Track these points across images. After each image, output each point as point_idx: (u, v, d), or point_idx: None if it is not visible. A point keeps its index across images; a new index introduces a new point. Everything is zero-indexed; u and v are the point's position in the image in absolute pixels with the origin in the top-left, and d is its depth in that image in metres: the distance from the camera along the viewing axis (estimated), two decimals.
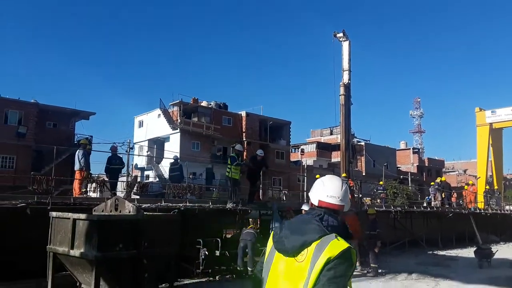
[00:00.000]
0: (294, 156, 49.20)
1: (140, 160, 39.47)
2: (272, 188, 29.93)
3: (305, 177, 36.21)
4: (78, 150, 12.25)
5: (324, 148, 51.99)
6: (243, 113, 42.40)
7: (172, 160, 16.73)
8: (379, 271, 11.44)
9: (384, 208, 17.60)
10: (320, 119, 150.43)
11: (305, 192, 25.88)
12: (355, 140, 47.49)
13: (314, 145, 52.16)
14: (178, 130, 37.69)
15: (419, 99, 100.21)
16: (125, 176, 16.05)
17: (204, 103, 41.41)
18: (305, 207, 10.35)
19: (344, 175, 18.38)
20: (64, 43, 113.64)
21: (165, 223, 7.84)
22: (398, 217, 18.20)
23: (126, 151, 28.41)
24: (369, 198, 23.96)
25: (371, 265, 11.41)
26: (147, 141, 40.86)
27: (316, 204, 2.15)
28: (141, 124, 43.32)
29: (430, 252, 17.40)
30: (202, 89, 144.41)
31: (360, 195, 18.91)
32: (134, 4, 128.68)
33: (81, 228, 6.79)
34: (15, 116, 29.62)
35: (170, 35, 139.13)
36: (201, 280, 9.61)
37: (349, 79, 19.04)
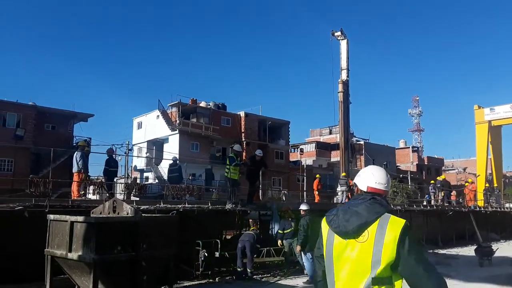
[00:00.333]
0: (294, 156, 49.15)
1: (139, 162, 39.43)
2: (272, 188, 29.89)
3: (305, 177, 36.24)
4: (76, 152, 12.20)
5: (323, 148, 51.96)
6: (242, 114, 42.36)
7: (171, 161, 16.68)
8: None
9: None
10: (319, 118, 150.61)
11: (305, 192, 25.84)
12: (354, 139, 47.56)
13: (313, 144, 52.13)
14: (177, 131, 37.63)
15: (417, 98, 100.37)
16: (122, 178, 15.99)
17: (202, 104, 41.37)
18: (303, 207, 10.31)
19: (343, 174, 18.37)
20: (62, 44, 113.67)
21: (163, 224, 7.77)
22: (398, 216, 18.14)
23: (125, 153, 28.43)
24: None
25: None
26: (146, 143, 40.81)
27: (365, 190, 2.39)
28: (140, 125, 43.26)
29: (431, 250, 17.34)
30: (200, 89, 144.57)
31: None
32: (133, 5, 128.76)
33: (79, 230, 6.72)
34: (13, 119, 29.55)
35: (168, 35, 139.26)
36: (200, 282, 9.56)
37: (348, 77, 19.05)
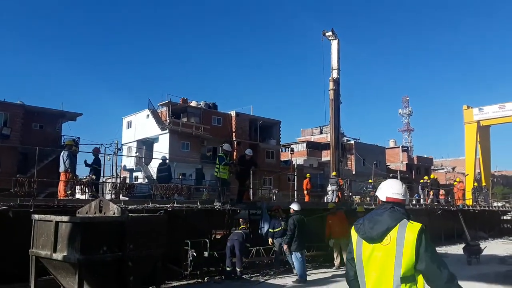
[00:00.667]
0: (284, 156, 49.21)
1: (128, 161, 39.14)
2: (262, 188, 29.84)
3: (295, 177, 36.28)
4: (63, 152, 12.04)
5: (314, 147, 52.11)
6: (233, 113, 42.29)
7: (160, 161, 16.54)
8: None
9: (373, 206, 17.61)
10: (310, 118, 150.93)
11: (295, 191, 25.84)
12: (344, 139, 47.75)
13: (304, 144, 52.26)
14: (167, 131, 37.45)
15: (407, 98, 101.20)
16: (111, 178, 15.80)
17: (193, 103, 41.21)
18: (293, 206, 10.28)
19: (334, 174, 18.40)
20: (51, 43, 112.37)
21: (151, 224, 7.68)
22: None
23: (114, 152, 28.15)
24: (359, 197, 24.03)
25: None
26: (135, 142, 40.55)
27: (384, 200, 2.79)
28: (129, 125, 42.96)
29: None
30: (191, 89, 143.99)
31: (350, 194, 18.91)
32: (122, 4, 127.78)
33: (64, 230, 6.62)
34: (0, 118, 29.13)
35: (158, 35, 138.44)
36: (189, 282, 9.47)
37: (338, 76, 19.11)
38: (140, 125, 40.77)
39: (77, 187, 12.10)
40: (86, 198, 11.48)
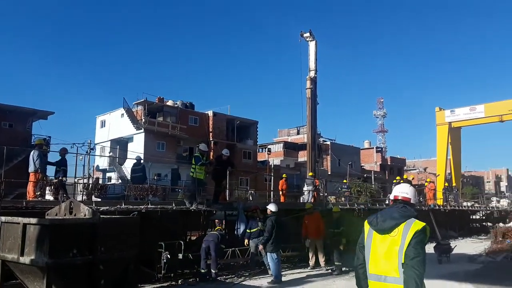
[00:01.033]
0: (261, 156, 49.25)
1: (102, 161, 38.33)
2: (239, 188, 29.78)
3: (272, 177, 36.32)
4: (33, 151, 11.64)
5: (291, 148, 52.38)
6: (210, 113, 42.02)
7: (135, 161, 16.24)
8: (343, 269, 11.53)
9: (348, 206, 17.83)
10: (287, 118, 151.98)
11: (272, 192, 25.85)
12: (321, 139, 48.17)
13: (281, 145, 52.45)
14: (142, 130, 36.85)
15: (382, 100, 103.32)
16: (80, 178, 15.40)
17: (169, 103, 40.71)
18: (271, 207, 10.27)
19: (310, 174, 18.52)
20: (21, 41, 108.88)
21: (123, 226, 7.50)
22: (362, 215, 18.48)
23: (87, 152, 27.50)
24: (334, 197, 24.28)
25: (335, 263, 11.48)
26: (109, 142, 39.73)
27: (399, 199, 3.35)
28: (103, 124, 42.06)
29: None
30: (168, 88, 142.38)
31: (325, 194, 19.07)
32: (96, 2, 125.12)
33: (32, 233, 6.40)
34: None
35: (135, 34, 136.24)
36: (162, 284, 9.32)
37: (316, 75, 19.26)
38: (114, 124, 39.97)
39: (47, 188, 11.72)
40: (58, 199, 11.14)
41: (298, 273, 11.31)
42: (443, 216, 22.95)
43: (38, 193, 11.11)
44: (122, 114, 39.04)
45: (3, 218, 6.94)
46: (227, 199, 15.77)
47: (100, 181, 28.74)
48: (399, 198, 3.34)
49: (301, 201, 20.55)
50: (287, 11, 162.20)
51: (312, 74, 19.31)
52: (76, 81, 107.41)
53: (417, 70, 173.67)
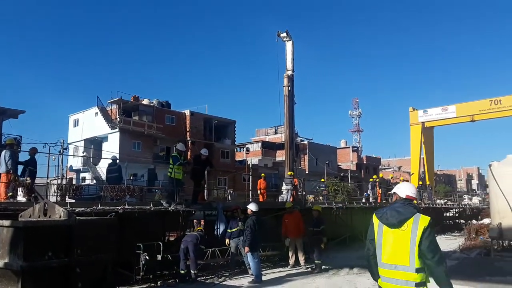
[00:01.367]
0: (239, 156, 49.20)
1: (75, 162, 37.38)
2: (217, 188, 29.64)
3: (250, 176, 36.33)
4: (4, 151, 11.18)
5: (268, 147, 52.51)
6: (187, 112, 41.63)
7: (110, 161, 15.87)
8: (323, 267, 11.61)
9: (326, 204, 17.98)
10: (265, 118, 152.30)
11: (250, 191, 25.84)
12: (298, 139, 48.51)
13: (259, 144, 52.51)
14: (117, 130, 36.16)
15: (357, 100, 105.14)
16: (53, 179, 14.94)
17: (145, 101, 40.09)
18: (251, 207, 10.23)
19: (290, 173, 18.57)
20: None
21: (100, 227, 7.30)
22: (339, 213, 18.70)
23: (60, 152, 26.75)
24: (312, 196, 24.46)
25: (315, 261, 11.55)
26: (83, 141, 38.81)
27: (404, 197, 3.73)
28: (76, 123, 41.04)
29: None
30: (143, 87, 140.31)
31: (304, 193, 19.17)
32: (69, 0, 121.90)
33: (5, 236, 6.18)
34: None
35: (108, 31, 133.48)
36: (141, 286, 9.13)
37: (293, 73, 19.33)
38: (88, 123, 39.07)
39: (19, 189, 11.31)
40: (31, 200, 10.76)
41: (278, 272, 11.32)
42: None
43: (10, 194, 10.71)
44: (96, 113, 38.21)
45: None
46: (206, 198, 15.63)
47: (74, 182, 28.00)
48: (410, 196, 3.75)
49: (279, 201, 20.61)
50: (264, 10, 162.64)
51: (289, 72, 19.37)
52: (47, 79, 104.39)
53: (391, 71, 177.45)
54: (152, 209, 10.63)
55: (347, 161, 62.93)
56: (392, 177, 29.18)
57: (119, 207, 9.85)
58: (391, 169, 74.98)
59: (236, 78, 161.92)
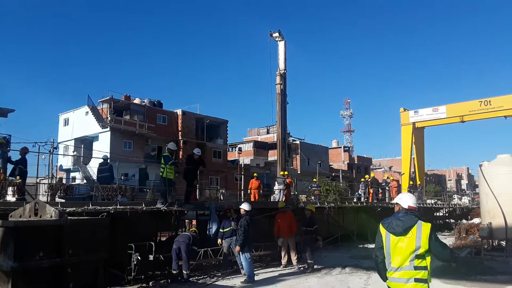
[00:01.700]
0: (231, 155, 49.13)
1: (65, 161, 37.02)
2: (209, 188, 29.54)
3: (243, 176, 36.27)
4: None
5: (261, 147, 52.49)
6: (179, 111, 41.44)
7: (101, 160, 15.72)
8: (315, 266, 11.63)
9: (318, 204, 18.03)
10: (257, 118, 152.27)
11: (242, 191, 25.80)
12: (290, 139, 48.57)
13: (251, 144, 52.46)
14: (108, 129, 35.87)
15: (349, 100, 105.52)
16: (43, 178, 14.74)
17: (137, 101, 39.82)
18: (244, 207, 10.19)
19: (285, 173, 18.58)
20: None
21: (92, 227, 7.26)
22: (332, 213, 18.76)
23: (50, 151, 26.48)
24: (305, 195, 24.51)
25: (308, 261, 11.56)
26: (73, 141, 38.44)
27: (406, 207, 4.20)
28: (66, 122, 40.63)
29: (361, 245, 18.14)
30: (135, 86, 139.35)
31: (296, 193, 19.20)
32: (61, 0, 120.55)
33: None
34: None
35: (98, 30, 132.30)
36: (133, 287, 9.05)
37: (285, 71, 19.35)
38: (79, 122, 38.69)
39: (9, 188, 11.16)
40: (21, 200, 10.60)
41: (271, 272, 11.31)
42: None
43: None
44: (87, 112, 37.88)
45: None
46: (197, 198, 15.57)
47: (64, 181, 27.70)
48: (411, 207, 4.21)
49: (271, 200, 20.61)
50: (256, 10, 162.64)
51: (282, 70, 19.39)
52: (37, 78, 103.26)
53: (382, 72, 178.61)
54: (144, 209, 10.55)
55: (339, 161, 63.19)
56: (387, 177, 29.31)
57: (111, 207, 9.77)
58: (382, 169, 75.47)
59: (228, 78, 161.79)
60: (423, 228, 3.97)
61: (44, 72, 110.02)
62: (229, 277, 10.33)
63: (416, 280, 3.95)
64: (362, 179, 26.81)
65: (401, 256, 3.98)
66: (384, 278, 4.24)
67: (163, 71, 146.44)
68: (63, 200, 13.17)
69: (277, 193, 18.11)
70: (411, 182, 31.10)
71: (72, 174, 36.92)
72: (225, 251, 10.81)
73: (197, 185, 14.40)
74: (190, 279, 9.86)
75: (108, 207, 9.74)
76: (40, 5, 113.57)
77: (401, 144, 34.42)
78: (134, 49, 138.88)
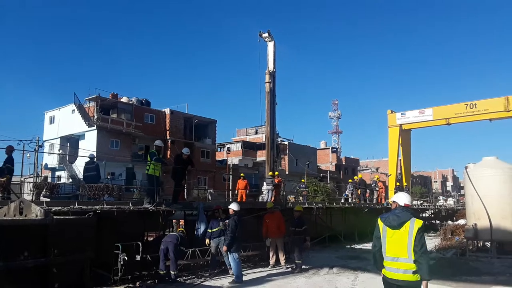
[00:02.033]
0: (220, 155, 49.02)
1: (50, 160, 36.51)
2: (197, 188, 29.41)
3: (231, 176, 36.19)
4: None
5: (249, 147, 52.48)
6: (167, 111, 41.19)
7: (88, 159, 15.50)
8: (303, 267, 11.65)
9: (306, 205, 18.07)
10: (246, 118, 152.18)
11: (230, 191, 25.72)
12: (279, 139, 48.65)
13: (240, 144, 52.42)
14: (94, 127, 35.47)
15: (337, 101, 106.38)
16: (30, 177, 14.51)
17: (124, 99, 39.46)
18: (233, 207, 10.16)
19: (275, 173, 18.58)
20: None
21: (78, 227, 7.14)
22: (319, 214, 18.83)
23: (35, 150, 26.04)
24: (293, 196, 24.57)
25: (296, 261, 11.57)
26: (59, 139, 37.90)
27: (402, 205, 4.68)
28: (52, 120, 40.06)
29: (348, 246, 18.24)
30: (122, 85, 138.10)
31: (285, 193, 19.22)
32: None
33: None
34: None
35: (84, 27, 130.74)
36: (119, 287, 8.95)
37: (274, 70, 19.36)
38: (65, 120, 38.18)
39: None
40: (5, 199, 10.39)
41: (259, 272, 11.29)
42: None
43: None
44: (73, 110, 37.40)
45: None
46: (185, 198, 15.46)
47: (49, 180, 27.28)
48: (407, 204, 4.69)
49: (260, 201, 20.60)
50: (245, 10, 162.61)
51: (271, 70, 19.40)
52: (22, 74, 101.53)
53: (370, 73, 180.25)
54: (131, 208, 10.43)
55: (327, 162, 63.53)
56: (377, 178, 29.59)
57: (97, 207, 9.64)
58: (369, 170, 76.15)
59: (217, 78, 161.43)
60: (416, 224, 4.45)
61: (29, 69, 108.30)
62: (217, 277, 10.28)
63: (415, 272, 4.35)
64: (350, 180, 26.98)
65: (394, 246, 4.48)
66: (380, 267, 4.69)
67: (151, 70, 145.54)
68: (48, 199, 12.97)
69: (266, 194, 18.10)
70: (397, 183, 31.40)
71: (57, 173, 36.40)
72: (213, 251, 10.75)
73: (185, 185, 14.28)
74: (178, 279, 9.79)
75: (95, 207, 9.60)
76: (22, 2, 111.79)
77: (388, 146, 34.70)
78: (121, 48, 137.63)
